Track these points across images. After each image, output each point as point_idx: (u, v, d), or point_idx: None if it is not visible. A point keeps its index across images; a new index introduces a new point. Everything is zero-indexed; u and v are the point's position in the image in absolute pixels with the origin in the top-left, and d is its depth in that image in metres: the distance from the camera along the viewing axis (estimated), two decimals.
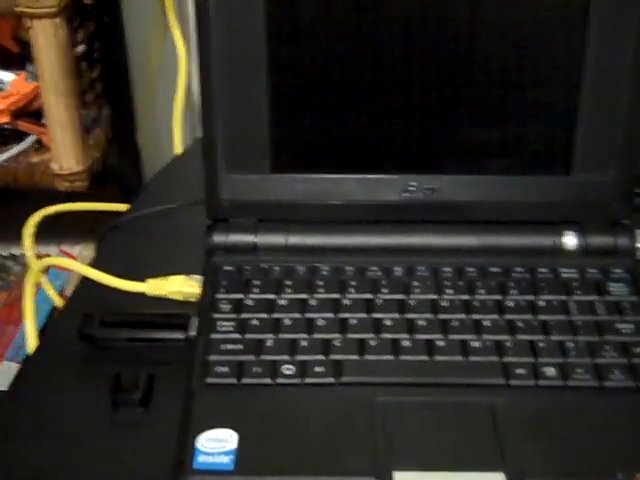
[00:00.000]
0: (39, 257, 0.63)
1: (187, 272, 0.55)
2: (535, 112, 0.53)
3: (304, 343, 0.48)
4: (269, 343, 0.48)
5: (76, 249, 0.87)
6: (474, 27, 0.51)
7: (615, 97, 0.52)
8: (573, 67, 0.52)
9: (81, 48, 0.74)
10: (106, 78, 0.77)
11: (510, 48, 0.52)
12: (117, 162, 0.77)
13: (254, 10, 0.50)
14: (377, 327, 0.49)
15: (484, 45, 0.52)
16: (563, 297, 0.51)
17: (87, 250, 0.87)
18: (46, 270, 0.62)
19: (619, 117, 0.53)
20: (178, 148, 0.79)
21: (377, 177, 0.54)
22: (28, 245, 0.63)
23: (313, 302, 0.50)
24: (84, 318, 0.51)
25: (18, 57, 0.77)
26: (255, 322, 0.49)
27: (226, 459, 0.42)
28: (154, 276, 0.55)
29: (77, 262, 0.60)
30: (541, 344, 0.48)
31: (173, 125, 0.79)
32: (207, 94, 0.52)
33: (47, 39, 0.67)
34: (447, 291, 0.51)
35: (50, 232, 0.71)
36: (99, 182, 0.76)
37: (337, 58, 0.52)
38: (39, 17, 0.67)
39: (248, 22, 0.51)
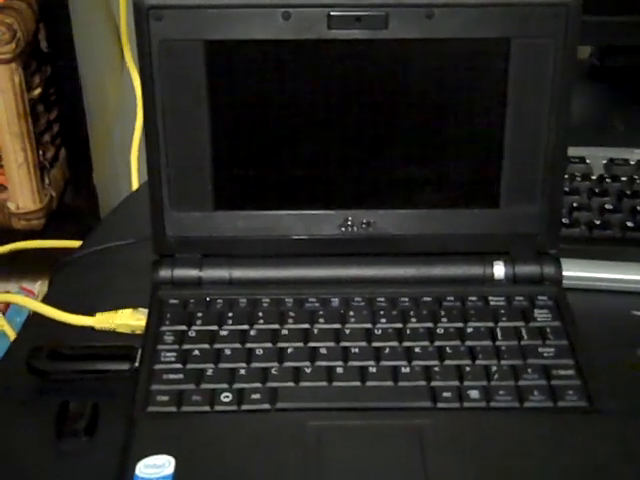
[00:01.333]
0: None
1: (136, 306, 0.58)
2: (463, 150, 0.56)
3: (242, 372, 0.50)
4: (209, 372, 0.50)
5: (36, 286, 0.89)
6: (404, 73, 0.55)
7: (537, 134, 0.55)
8: (496, 109, 0.55)
9: (37, 91, 0.77)
10: (63, 120, 0.80)
11: (438, 90, 0.55)
12: (74, 201, 0.79)
13: (195, 58, 0.53)
14: (313, 355, 0.51)
15: (413, 89, 0.55)
16: (490, 324, 0.53)
17: (46, 286, 0.89)
18: (6, 307, 0.64)
19: (542, 153, 0.56)
20: (135, 185, 0.81)
21: (316, 213, 0.57)
22: None
23: (253, 332, 0.53)
24: (32, 351, 0.53)
25: None
26: (196, 352, 0.51)
27: None
28: (104, 310, 0.57)
29: (23, 297, 0.62)
30: (467, 368, 0.50)
31: (131, 163, 0.82)
32: (151, 135, 0.55)
33: (3, 83, 0.70)
34: (381, 320, 0.54)
35: (11, 269, 0.73)
36: (57, 220, 0.78)
37: (275, 102, 0.55)
38: None
39: (189, 68, 0.54)
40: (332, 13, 0.52)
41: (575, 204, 0.65)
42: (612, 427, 0.47)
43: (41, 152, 0.76)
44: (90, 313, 0.57)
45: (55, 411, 0.49)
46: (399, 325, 0.53)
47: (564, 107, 0.55)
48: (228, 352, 0.51)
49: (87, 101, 0.81)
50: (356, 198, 0.57)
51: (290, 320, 0.54)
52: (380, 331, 0.53)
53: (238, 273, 0.57)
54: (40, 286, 0.89)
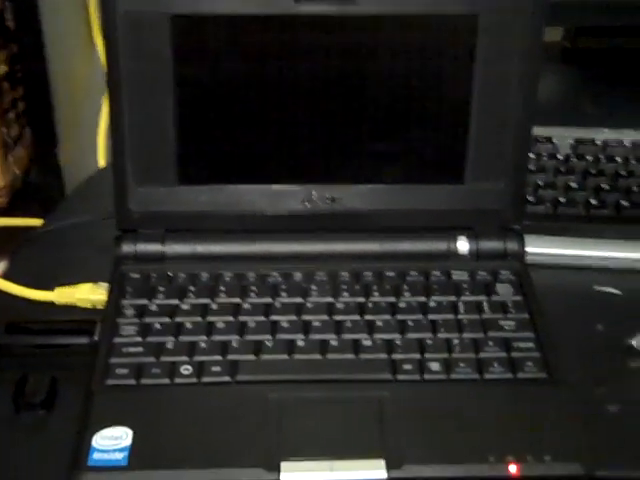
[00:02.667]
0: None
1: (97, 281, 0.57)
2: (429, 125, 0.56)
3: (203, 345, 0.50)
4: (169, 345, 0.50)
5: (0, 265, 0.88)
6: (371, 48, 0.54)
7: (503, 109, 0.55)
8: (463, 82, 0.55)
9: (3, 69, 0.76)
10: (28, 98, 0.79)
11: (405, 65, 0.55)
12: (39, 179, 0.78)
13: (160, 31, 0.53)
14: (274, 329, 0.51)
15: (380, 65, 0.55)
16: (453, 298, 0.53)
17: None
18: None
19: (508, 128, 0.56)
20: (102, 163, 0.80)
21: (280, 187, 0.57)
22: None
23: (214, 306, 0.52)
24: None
25: None
26: (157, 326, 0.51)
27: (120, 455, 0.43)
28: (65, 286, 0.57)
29: None
30: (429, 341, 0.50)
31: (97, 141, 0.81)
32: (115, 108, 0.54)
33: None
34: (343, 294, 0.53)
35: None
36: (22, 199, 0.77)
37: (240, 75, 0.54)
38: None
39: (155, 41, 0.53)
40: None
41: (541, 182, 0.65)
42: (570, 397, 0.47)
43: (5, 130, 0.75)
44: (51, 289, 0.57)
45: (13, 385, 0.49)
46: (361, 299, 0.53)
47: (531, 84, 0.54)
48: (189, 325, 0.51)
49: (53, 79, 0.80)
50: (320, 173, 0.57)
51: (252, 294, 0.53)
52: (342, 305, 0.53)
53: (201, 248, 0.57)
54: (4, 265, 0.88)
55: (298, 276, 0.55)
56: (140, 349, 0.49)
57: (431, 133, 0.56)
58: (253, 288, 0.54)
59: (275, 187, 0.57)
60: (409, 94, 0.55)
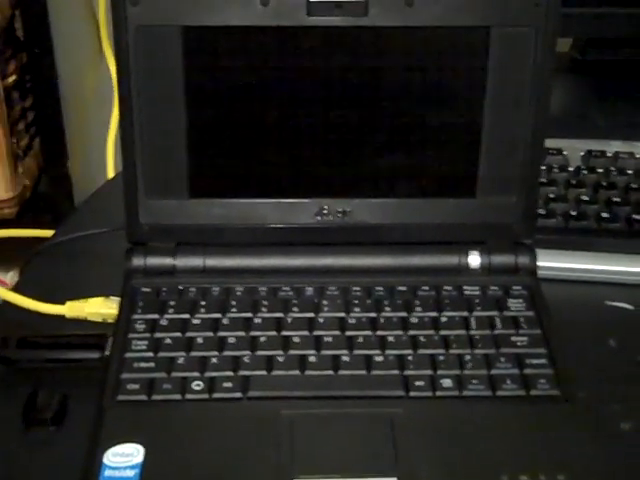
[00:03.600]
0: None
1: (108, 295, 0.57)
2: (441, 139, 0.56)
3: (214, 360, 0.49)
4: (180, 361, 0.49)
5: (9, 275, 0.88)
6: (383, 61, 0.54)
7: (516, 124, 0.55)
8: (475, 99, 0.55)
9: (12, 78, 0.76)
10: (38, 108, 0.79)
11: (417, 78, 0.55)
12: (49, 190, 0.78)
13: (172, 45, 0.53)
14: (285, 344, 0.51)
15: (392, 78, 0.54)
16: (465, 313, 0.53)
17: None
18: None
19: (520, 142, 0.55)
20: (111, 174, 0.80)
21: (291, 201, 0.57)
22: None
23: (225, 321, 0.52)
24: (1, 340, 0.52)
25: None
26: (168, 341, 0.51)
27: (131, 473, 0.43)
28: (75, 299, 0.57)
29: None
30: (441, 357, 0.50)
31: (107, 152, 0.81)
32: (126, 122, 0.54)
33: None
34: (355, 309, 0.53)
35: None
36: (31, 209, 0.77)
37: (252, 87, 0.54)
38: None
39: (166, 54, 0.53)
40: (311, 0, 0.52)
41: (551, 195, 0.65)
42: (583, 415, 0.47)
43: (15, 140, 0.75)
44: (61, 302, 0.56)
45: (24, 401, 0.49)
46: (373, 314, 0.53)
47: (543, 97, 0.54)
48: (200, 340, 0.51)
49: (63, 89, 0.80)
50: (332, 187, 0.57)
51: (263, 309, 0.53)
52: (354, 320, 0.52)
53: (212, 262, 0.56)
54: (13, 276, 0.88)
55: (309, 290, 0.55)
56: (151, 364, 0.49)
57: (443, 146, 0.56)
58: (264, 302, 0.53)
59: (286, 200, 0.56)
60: (421, 107, 0.55)
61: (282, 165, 0.56)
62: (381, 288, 0.55)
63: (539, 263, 0.57)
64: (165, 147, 0.55)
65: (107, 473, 0.43)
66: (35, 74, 0.78)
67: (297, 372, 0.49)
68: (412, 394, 0.48)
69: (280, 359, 0.50)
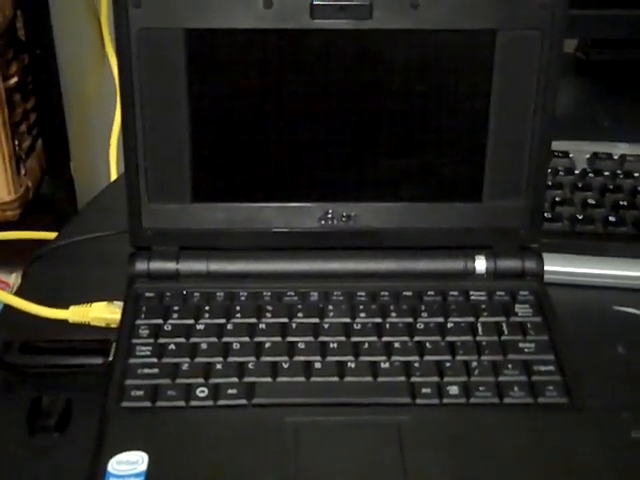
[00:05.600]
0: None
1: (111, 299, 0.56)
2: (446, 142, 0.56)
3: (219, 366, 0.49)
4: (185, 367, 0.49)
5: (12, 278, 0.87)
6: (388, 64, 0.54)
7: (522, 128, 0.55)
8: (480, 98, 0.54)
9: (14, 80, 0.75)
10: (40, 109, 0.78)
11: (422, 81, 0.54)
12: (51, 191, 0.78)
13: (175, 47, 0.52)
14: (290, 350, 0.50)
15: (397, 81, 0.54)
16: (471, 319, 0.53)
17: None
18: None
19: (527, 146, 0.55)
20: (114, 176, 0.80)
21: (296, 205, 0.56)
22: None
23: (230, 327, 0.52)
24: (4, 345, 0.51)
25: None
26: (172, 347, 0.50)
27: None
28: (78, 303, 0.56)
29: None
30: (447, 364, 0.49)
31: (109, 154, 0.80)
32: (129, 125, 0.54)
33: None
34: (360, 315, 0.53)
35: None
36: (33, 211, 0.77)
37: (256, 93, 0.54)
38: None
39: (169, 57, 0.53)
40: (315, 2, 0.51)
41: (558, 198, 0.65)
42: (591, 424, 0.46)
43: (17, 142, 0.75)
44: (64, 306, 0.56)
45: (27, 407, 0.48)
46: (379, 320, 0.52)
47: (549, 101, 0.54)
48: (204, 346, 0.50)
49: (65, 91, 0.80)
50: (337, 191, 0.56)
51: (268, 314, 0.53)
52: (359, 326, 0.52)
53: (216, 266, 0.56)
54: (15, 278, 0.87)
55: (314, 296, 0.54)
56: (155, 370, 0.49)
57: (448, 150, 0.56)
58: (269, 308, 0.53)
59: (291, 205, 0.56)
60: (426, 110, 0.55)
61: (286, 169, 0.56)
62: (386, 293, 0.54)
63: (546, 267, 0.57)
64: (167, 150, 0.54)
65: None
66: (37, 76, 0.77)
67: (302, 379, 0.48)
68: (419, 401, 0.47)
69: (285, 365, 0.49)
